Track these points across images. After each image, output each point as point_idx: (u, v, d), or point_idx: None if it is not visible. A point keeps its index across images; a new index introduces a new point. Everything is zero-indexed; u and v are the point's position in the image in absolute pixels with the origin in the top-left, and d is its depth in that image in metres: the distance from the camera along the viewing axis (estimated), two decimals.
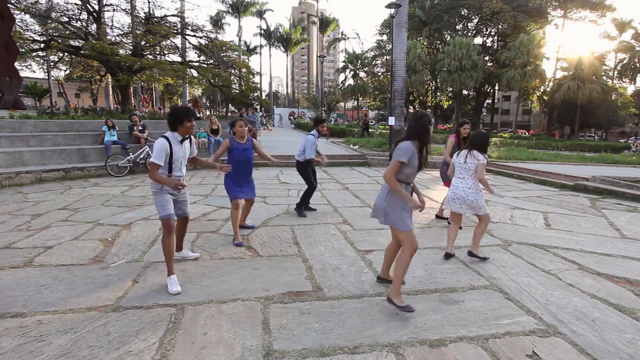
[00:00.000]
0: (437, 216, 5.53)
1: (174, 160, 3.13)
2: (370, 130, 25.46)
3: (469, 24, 44.50)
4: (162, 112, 21.44)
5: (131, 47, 17.19)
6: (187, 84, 25.41)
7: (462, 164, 3.83)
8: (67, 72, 29.37)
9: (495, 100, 49.45)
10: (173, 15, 18.78)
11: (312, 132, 5.50)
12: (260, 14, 48.43)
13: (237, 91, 21.07)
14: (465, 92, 42.75)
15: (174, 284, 3.03)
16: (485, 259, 3.80)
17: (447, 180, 5.23)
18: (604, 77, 37.60)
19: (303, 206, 5.60)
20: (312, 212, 5.68)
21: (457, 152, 4.01)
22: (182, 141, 3.15)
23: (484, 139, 3.80)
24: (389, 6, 12.66)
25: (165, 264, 3.14)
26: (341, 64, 53.02)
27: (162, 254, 3.83)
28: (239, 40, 45.34)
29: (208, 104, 61.35)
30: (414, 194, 2.86)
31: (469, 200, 3.72)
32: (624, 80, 38.31)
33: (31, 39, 15.29)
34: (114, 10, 17.26)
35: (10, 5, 11.86)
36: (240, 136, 4.23)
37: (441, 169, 5.39)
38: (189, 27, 18.06)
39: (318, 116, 5.82)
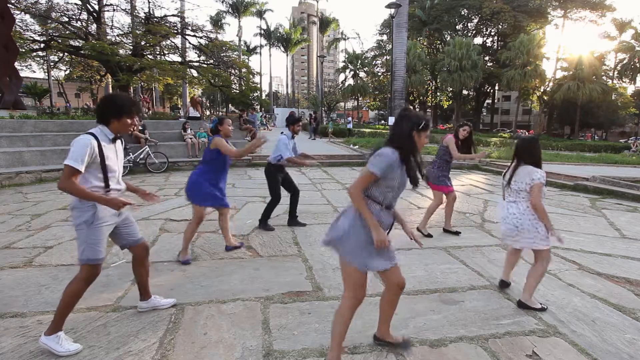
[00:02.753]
0: (444, 230, 4.84)
1: (110, 168, 2.23)
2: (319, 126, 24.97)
3: (469, 24, 44.56)
4: (149, 111, 21.44)
5: (131, 47, 17.17)
6: (187, 84, 25.39)
7: (510, 184, 2.89)
8: (67, 72, 29.37)
9: (495, 100, 49.50)
10: (173, 15, 18.75)
11: (284, 132, 4.78)
12: (260, 14, 48.45)
13: (237, 91, 21.05)
14: (465, 92, 42.79)
15: (64, 342, 2.20)
16: (545, 309, 2.83)
17: (435, 184, 4.66)
18: (604, 77, 37.68)
19: (289, 219, 5.03)
20: (312, 213, 5.66)
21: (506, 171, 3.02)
22: (113, 140, 2.28)
23: (532, 144, 2.86)
24: (389, 6, 12.68)
25: (55, 316, 2.23)
26: (341, 64, 53.06)
27: (162, 254, 3.86)
28: (239, 40, 45.40)
29: (208, 104, 61.34)
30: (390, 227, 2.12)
31: (524, 229, 2.80)
32: (624, 80, 38.37)
33: (31, 39, 15.26)
34: (114, 10, 17.23)
35: (10, 5, 11.83)
36: (227, 135, 3.79)
37: (429, 169, 4.72)
38: (189, 27, 18.03)
39: (292, 115, 5.00)
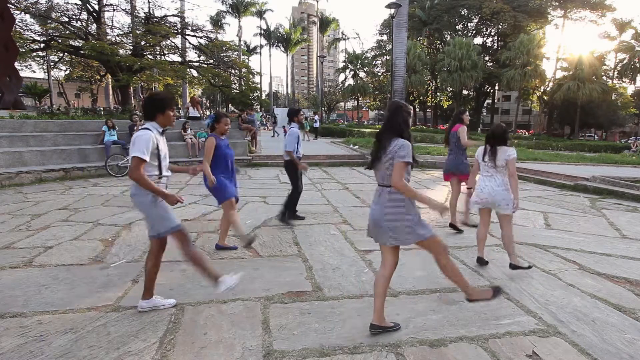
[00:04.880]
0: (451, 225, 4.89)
1: (162, 158, 2.58)
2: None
3: (469, 24, 44.54)
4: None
5: (131, 47, 17.19)
6: (187, 84, 25.41)
7: (488, 162, 3.50)
8: (67, 72, 29.36)
9: (495, 100, 49.46)
10: (173, 15, 18.78)
11: (292, 126, 5.04)
12: (260, 14, 48.44)
13: (237, 91, 21.05)
14: (465, 92, 42.77)
15: (228, 278, 2.66)
16: (529, 267, 3.54)
17: (461, 173, 4.81)
18: (604, 77, 37.67)
19: (288, 212, 5.13)
20: (312, 213, 5.67)
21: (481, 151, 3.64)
22: (162, 133, 2.63)
23: (503, 131, 3.50)
24: (389, 6, 12.68)
25: (204, 273, 2.64)
26: (341, 64, 53.07)
27: None
28: (239, 40, 45.36)
29: (208, 104, 61.35)
30: None
31: (497, 198, 3.41)
32: (624, 80, 38.39)
33: (31, 39, 15.28)
34: (114, 10, 17.28)
35: (10, 5, 11.85)
36: (223, 133, 3.90)
37: (448, 163, 4.93)
38: (189, 27, 18.05)
39: (292, 107, 5.31)
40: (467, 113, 4.96)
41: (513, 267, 3.42)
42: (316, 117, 26.47)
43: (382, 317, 2.48)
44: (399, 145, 2.26)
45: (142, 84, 28.16)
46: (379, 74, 45.52)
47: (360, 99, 47.78)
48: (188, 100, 21.14)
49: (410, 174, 2.42)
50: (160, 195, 2.47)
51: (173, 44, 19.22)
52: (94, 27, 16.83)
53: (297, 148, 4.97)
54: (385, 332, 2.45)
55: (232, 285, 2.63)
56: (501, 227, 3.51)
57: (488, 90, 45.20)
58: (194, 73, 19.63)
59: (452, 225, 4.85)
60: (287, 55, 54.97)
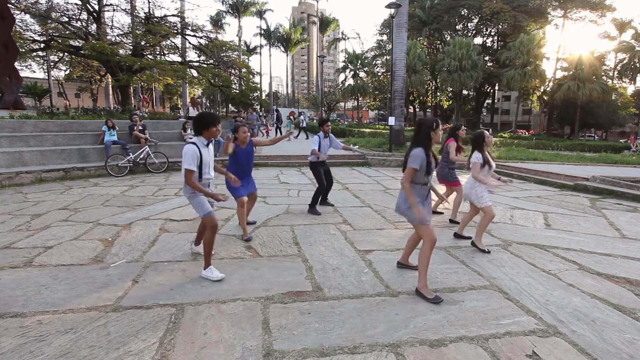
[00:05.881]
0: (451, 220, 5.37)
1: (204, 165, 3.28)
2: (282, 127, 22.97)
3: (469, 24, 44.51)
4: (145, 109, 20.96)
5: (131, 47, 17.18)
6: (187, 84, 25.41)
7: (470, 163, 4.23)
8: (67, 72, 29.35)
9: (495, 100, 49.46)
10: (173, 15, 18.76)
11: (318, 134, 5.82)
12: (260, 14, 48.39)
13: (237, 91, 21.03)
14: (465, 92, 42.75)
15: (214, 271, 3.31)
16: (486, 252, 4.03)
17: (449, 181, 5.36)
18: (604, 77, 37.63)
19: (315, 205, 5.76)
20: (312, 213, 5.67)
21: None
22: (207, 145, 3.31)
23: (476, 137, 4.14)
24: (389, 6, 12.67)
25: (204, 258, 3.35)
26: (341, 64, 53.02)
27: (162, 254, 3.89)
28: (239, 40, 45.31)
29: (208, 104, 61.33)
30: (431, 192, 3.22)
31: (466, 192, 4.22)
32: (624, 80, 38.35)
33: (31, 39, 15.26)
34: (114, 10, 17.25)
35: (10, 5, 11.84)
36: (243, 141, 4.42)
37: (439, 170, 5.42)
38: (189, 27, 18.04)
39: (322, 117, 6.41)
40: (464, 127, 5.39)
41: (472, 244, 4.18)
42: (302, 117, 26.42)
43: (407, 259, 3.29)
44: (410, 153, 2.90)
45: (142, 84, 28.15)
46: (379, 74, 45.49)
47: (360, 99, 47.78)
48: (188, 100, 21.11)
49: (428, 178, 3.00)
50: (208, 195, 3.25)
51: (173, 44, 19.21)
52: (94, 27, 16.81)
53: (319, 148, 5.70)
54: (407, 269, 3.35)
55: (215, 278, 3.25)
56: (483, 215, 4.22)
57: (488, 90, 45.19)
58: (194, 73, 19.62)
59: (451, 221, 5.27)
60: (287, 55, 54.90)
